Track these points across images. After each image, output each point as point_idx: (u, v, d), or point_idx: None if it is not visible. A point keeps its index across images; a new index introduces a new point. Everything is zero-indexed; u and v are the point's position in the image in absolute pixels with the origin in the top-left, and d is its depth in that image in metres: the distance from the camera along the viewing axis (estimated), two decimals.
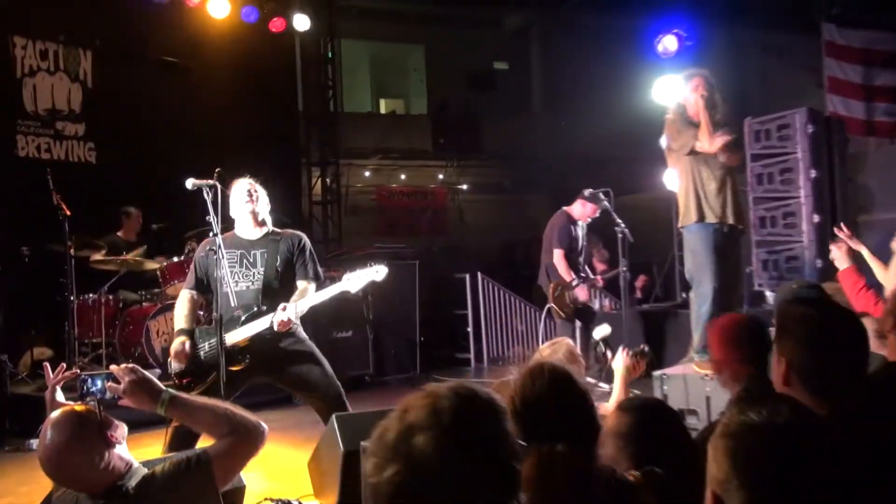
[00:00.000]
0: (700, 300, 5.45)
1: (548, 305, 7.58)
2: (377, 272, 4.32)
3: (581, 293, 7.48)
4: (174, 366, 4.32)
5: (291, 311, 4.22)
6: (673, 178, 5.95)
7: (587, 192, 7.56)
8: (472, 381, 1.49)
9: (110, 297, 7.53)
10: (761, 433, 1.35)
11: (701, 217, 5.48)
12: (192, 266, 4.62)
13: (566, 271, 7.46)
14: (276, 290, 4.38)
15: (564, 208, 7.70)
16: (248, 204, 4.47)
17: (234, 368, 4.16)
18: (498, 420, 1.38)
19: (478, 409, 1.38)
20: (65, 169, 8.49)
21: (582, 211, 7.62)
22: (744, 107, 6.52)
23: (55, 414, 2.24)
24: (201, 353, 4.31)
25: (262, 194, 4.53)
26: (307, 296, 4.35)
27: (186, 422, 2.47)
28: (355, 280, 4.30)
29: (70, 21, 9.15)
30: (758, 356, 2.83)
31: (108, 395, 2.50)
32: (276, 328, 4.19)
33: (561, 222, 7.60)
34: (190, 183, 4.18)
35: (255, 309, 4.28)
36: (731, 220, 5.52)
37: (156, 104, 9.47)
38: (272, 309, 4.24)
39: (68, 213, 6.78)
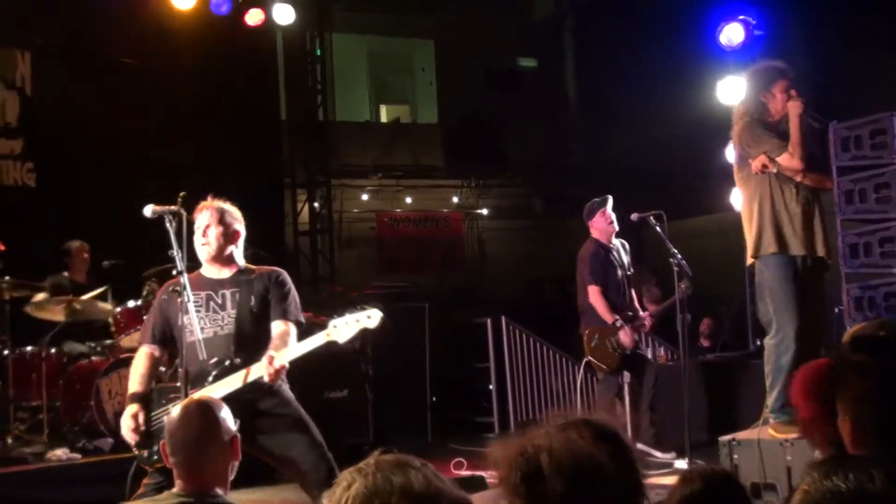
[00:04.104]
0: (781, 349, 5.45)
1: (585, 359, 7.55)
2: (369, 317, 4.15)
3: (624, 337, 7.41)
4: (129, 438, 4.35)
5: (284, 357, 4.18)
6: (741, 199, 5.98)
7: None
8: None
9: (52, 350, 7.58)
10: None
11: (783, 247, 5.49)
12: (150, 315, 4.66)
13: (606, 311, 7.42)
14: (252, 336, 4.38)
15: (592, 235, 7.70)
16: (204, 246, 4.49)
17: None
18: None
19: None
20: None
21: (601, 228, 7.62)
22: (827, 109, 6.53)
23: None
24: (164, 417, 4.32)
25: (231, 223, 4.53)
26: (289, 344, 4.31)
27: None
28: (343, 328, 4.15)
29: (4, 17, 9.32)
30: None
31: None
32: (267, 379, 4.17)
33: (590, 252, 7.57)
34: (149, 210, 4.25)
35: (228, 363, 4.29)
36: (820, 252, 5.54)
37: (108, 116, 9.60)
38: (249, 362, 4.23)
39: (2, 247, 6.86)
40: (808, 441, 3.01)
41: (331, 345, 4.22)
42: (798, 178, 5.57)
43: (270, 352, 4.19)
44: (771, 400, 5.43)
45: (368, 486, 1.40)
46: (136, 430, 4.30)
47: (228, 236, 4.52)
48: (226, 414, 3.09)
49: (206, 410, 3.07)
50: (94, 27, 9.72)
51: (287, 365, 4.23)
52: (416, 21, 16.38)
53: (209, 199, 4.58)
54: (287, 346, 4.30)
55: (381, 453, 1.53)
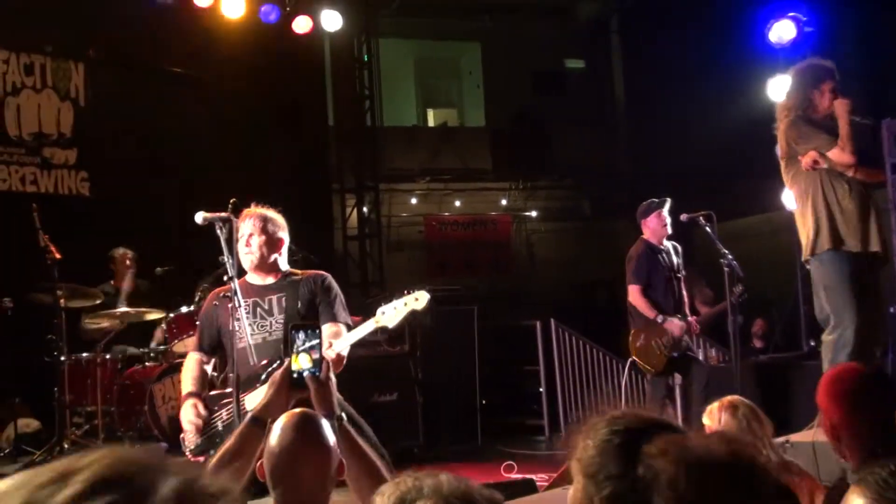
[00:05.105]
0: (838, 347, 5.36)
1: (630, 359, 7.48)
2: (417, 300, 4.22)
3: (671, 327, 7.30)
4: (189, 438, 4.39)
5: (340, 345, 4.22)
6: (792, 197, 5.90)
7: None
8: None
9: (107, 356, 7.69)
10: None
11: (837, 243, 5.41)
12: (199, 323, 4.72)
13: (647, 308, 7.34)
14: None
15: (643, 235, 7.64)
16: (248, 255, 4.53)
17: None
18: None
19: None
20: (54, 203, 8.73)
21: (653, 228, 7.55)
22: (879, 105, 6.44)
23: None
24: (218, 422, 4.38)
25: (274, 231, 4.58)
26: (342, 336, 4.36)
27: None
28: (391, 313, 4.21)
29: (58, 28, 9.47)
30: (883, 419, 2.78)
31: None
32: (321, 374, 4.19)
33: (637, 252, 7.53)
34: (200, 217, 4.29)
35: (278, 363, 4.33)
36: (874, 247, 5.45)
37: (160, 124, 9.75)
38: None
39: (58, 256, 6.95)
40: (832, 444, 2.97)
41: (380, 330, 4.29)
42: (850, 173, 5.49)
43: (328, 340, 4.24)
44: None
45: (401, 490, 1.51)
46: (198, 415, 4.34)
47: (272, 245, 4.56)
48: (330, 433, 2.68)
49: (312, 433, 2.64)
50: (145, 38, 9.86)
51: (343, 354, 4.27)
52: (463, 24, 16.38)
53: (252, 206, 4.63)
54: (340, 337, 4.37)
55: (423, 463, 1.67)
